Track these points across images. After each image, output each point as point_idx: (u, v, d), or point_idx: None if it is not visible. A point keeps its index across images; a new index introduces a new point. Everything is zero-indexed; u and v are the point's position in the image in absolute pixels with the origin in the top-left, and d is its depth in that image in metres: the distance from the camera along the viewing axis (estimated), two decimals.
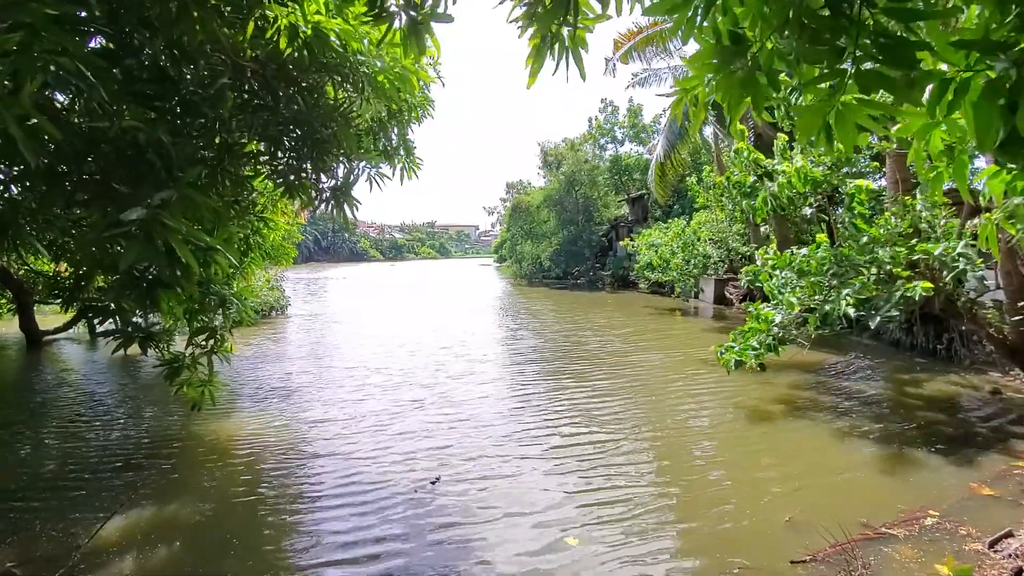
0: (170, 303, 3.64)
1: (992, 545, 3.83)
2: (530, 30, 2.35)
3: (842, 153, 7.76)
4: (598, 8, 2.30)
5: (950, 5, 1.67)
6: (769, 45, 1.71)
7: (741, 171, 8.65)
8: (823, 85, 1.69)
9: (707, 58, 1.84)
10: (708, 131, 18.21)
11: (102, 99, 2.70)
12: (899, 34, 1.56)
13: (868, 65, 1.55)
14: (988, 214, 2.64)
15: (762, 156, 8.45)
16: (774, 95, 1.84)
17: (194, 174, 2.99)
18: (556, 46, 2.38)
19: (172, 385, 4.73)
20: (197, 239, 2.72)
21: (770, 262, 7.46)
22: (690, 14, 1.80)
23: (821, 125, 1.72)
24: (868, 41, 1.52)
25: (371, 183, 4.71)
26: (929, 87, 1.64)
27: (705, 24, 1.81)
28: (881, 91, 1.59)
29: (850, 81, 1.58)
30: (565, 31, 2.33)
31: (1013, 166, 2.03)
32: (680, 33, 1.86)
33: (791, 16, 1.56)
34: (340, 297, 24.98)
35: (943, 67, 1.70)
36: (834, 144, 1.74)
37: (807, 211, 8.22)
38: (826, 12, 1.53)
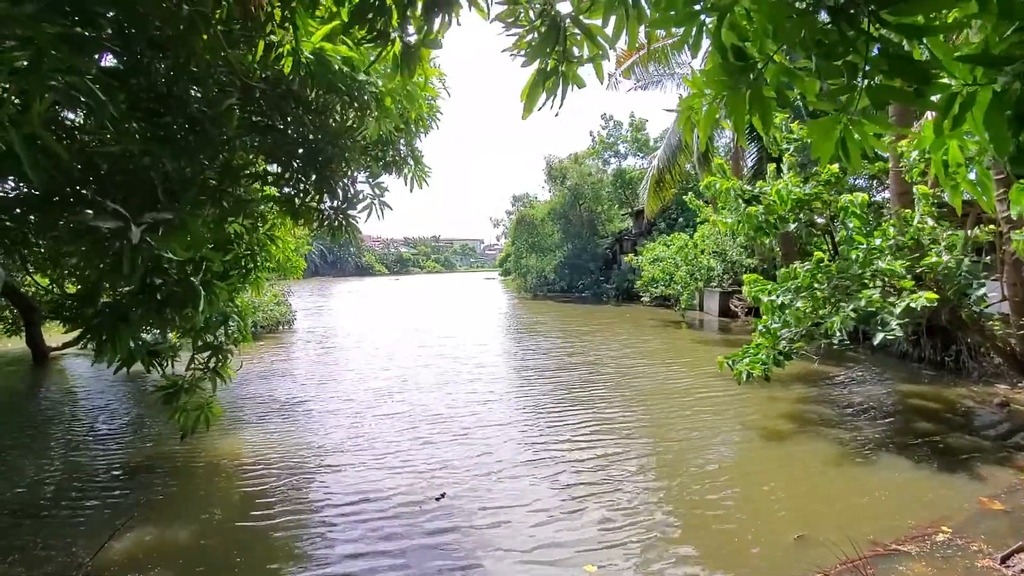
0: (178, 320, 3.65)
1: (1004, 560, 3.77)
2: (533, 64, 2.41)
3: (831, 172, 7.77)
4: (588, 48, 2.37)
5: (950, 20, 1.68)
6: (778, 58, 1.72)
7: (723, 202, 8.57)
8: (832, 104, 1.70)
9: (714, 75, 1.86)
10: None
11: (111, 117, 2.73)
12: (905, 51, 1.57)
13: (879, 80, 1.56)
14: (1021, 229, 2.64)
15: (735, 182, 8.30)
16: (782, 113, 1.85)
17: (192, 196, 3.00)
18: (551, 80, 2.44)
19: (170, 411, 4.48)
20: (184, 259, 2.71)
21: (767, 286, 7.35)
22: (695, 30, 1.83)
23: (835, 142, 1.73)
24: (878, 56, 1.53)
25: (370, 210, 4.62)
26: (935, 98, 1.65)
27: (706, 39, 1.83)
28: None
29: (859, 96, 1.59)
30: (561, 67, 2.39)
31: None
32: (688, 47, 1.88)
33: (805, 33, 1.57)
34: (346, 311, 24.99)
35: (948, 81, 1.71)
36: (848, 160, 1.74)
37: (791, 227, 8.17)
38: (832, 27, 1.54)
